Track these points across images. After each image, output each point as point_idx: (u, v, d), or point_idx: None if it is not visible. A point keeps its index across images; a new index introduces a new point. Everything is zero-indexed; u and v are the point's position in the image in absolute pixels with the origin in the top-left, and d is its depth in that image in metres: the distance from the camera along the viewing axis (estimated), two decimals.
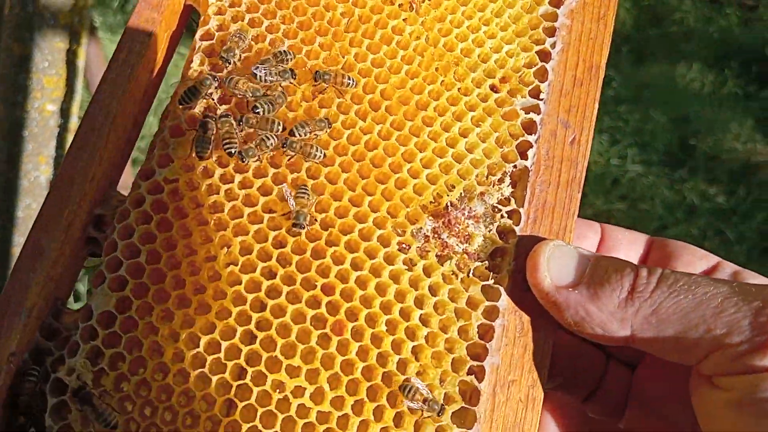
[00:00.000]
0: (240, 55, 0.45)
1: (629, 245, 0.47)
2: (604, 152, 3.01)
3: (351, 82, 0.45)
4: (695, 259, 0.44)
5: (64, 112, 1.41)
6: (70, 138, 1.39)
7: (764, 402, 0.32)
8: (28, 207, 1.41)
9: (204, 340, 0.40)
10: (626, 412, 0.46)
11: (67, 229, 0.41)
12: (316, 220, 0.43)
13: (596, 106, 0.47)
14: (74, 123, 1.43)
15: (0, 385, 0.37)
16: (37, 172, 1.40)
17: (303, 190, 0.42)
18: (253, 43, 0.46)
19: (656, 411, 0.42)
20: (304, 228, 0.42)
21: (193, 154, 0.43)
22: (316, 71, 0.45)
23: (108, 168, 0.43)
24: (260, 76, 0.43)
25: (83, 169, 0.42)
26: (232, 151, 0.43)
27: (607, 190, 2.97)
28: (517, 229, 0.43)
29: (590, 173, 2.96)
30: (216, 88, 0.44)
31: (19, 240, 1.43)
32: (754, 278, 0.42)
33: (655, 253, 0.46)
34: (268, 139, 0.43)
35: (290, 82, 0.45)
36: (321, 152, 0.44)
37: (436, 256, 0.43)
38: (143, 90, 0.45)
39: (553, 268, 0.39)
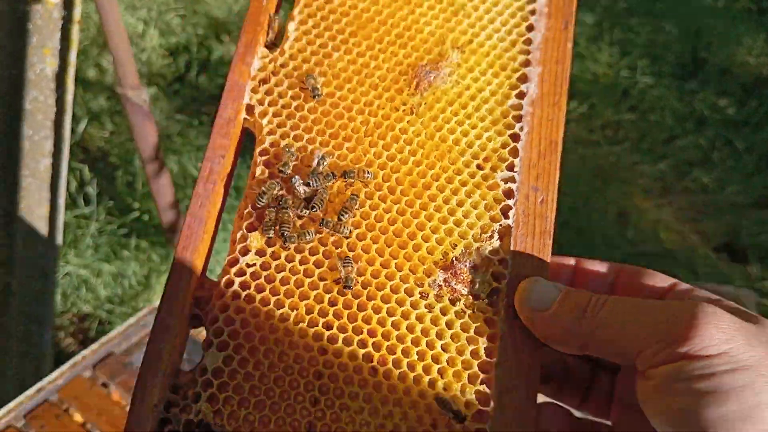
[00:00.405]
0: (291, 165, 0.61)
1: (598, 275, 0.60)
2: (614, 64, 3.07)
3: (370, 175, 0.61)
4: (655, 282, 0.56)
5: (68, 4, 1.41)
6: (74, 29, 1.42)
7: (676, 382, 0.46)
8: (35, 100, 1.45)
9: (287, 379, 0.55)
10: (611, 413, 0.60)
11: (182, 310, 0.56)
12: (357, 281, 0.58)
13: (558, 172, 0.61)
14: (78, 13, 1.41)
15: (149, 431, 0.53)
16: (42, 65, 1.42)
17: (347, 261, 0.58)
18: (298, 153, 0.62)
19: (636, 410, 0.55)
20: (351, 288, 0.57)
21: (263, 241, 0.59)
22: (344, 171, 0.61)
23: (203, 261, 0.59)
24: (312, 184, 0.59)
25: (190, 265, 0.57)
26: (285, 233, 0.58)
27: (617, 101, 3.00)
28: (506, 272, 0.58)
29: (599, 84, 3.01)
30: (279, 190, 0.60)
31: (27, 132, 1.46)
32: (700, 291, 0.54)
33: (623, 278, 0.58)
34: (309, 234, 0.58)
35: (333, 182, 0.60)
36: (349, 230, 0.59)
37: (449, 299, 0.58)
38: (220, 200, 0.61)
39: (533, 298, 0.54)
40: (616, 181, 2.69)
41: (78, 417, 1.22)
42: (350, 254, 0.59)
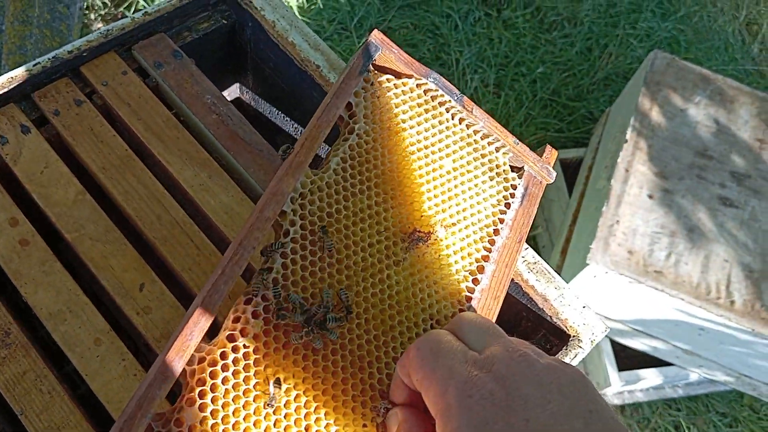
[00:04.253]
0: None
1: None
2: None
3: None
4: None
5: None
6: None
7: None
8: None
9: None
10: None
11: (180, 365, 0.64)
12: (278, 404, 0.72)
13: None
14: None
15: None
16: None
17: (278, 382, 0.67)
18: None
19: None
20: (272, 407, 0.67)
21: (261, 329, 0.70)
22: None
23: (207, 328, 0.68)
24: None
25: (200, 329, 0.65)
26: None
27: None
28: None
29: None
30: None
31: None
32: None
33: None
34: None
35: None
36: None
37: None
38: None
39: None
40: None
41: (103, 106, 0.98)
42: (281, 377, 0.69)
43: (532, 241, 2.46)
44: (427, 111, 0.87)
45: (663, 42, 2.83)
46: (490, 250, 0.82)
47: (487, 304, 0.79)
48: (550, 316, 0.92)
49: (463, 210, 0.84)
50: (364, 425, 0.71)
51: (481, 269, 0.81)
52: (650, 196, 1.95)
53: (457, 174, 0.85)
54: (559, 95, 2.66)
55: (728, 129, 2.09)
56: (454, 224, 0.83)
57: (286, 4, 2.67)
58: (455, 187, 0.84)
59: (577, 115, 2.62)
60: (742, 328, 1.85)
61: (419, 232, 0.81)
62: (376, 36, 0.84)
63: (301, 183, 0.77)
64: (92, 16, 2.49)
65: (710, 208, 1.96)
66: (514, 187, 0.86)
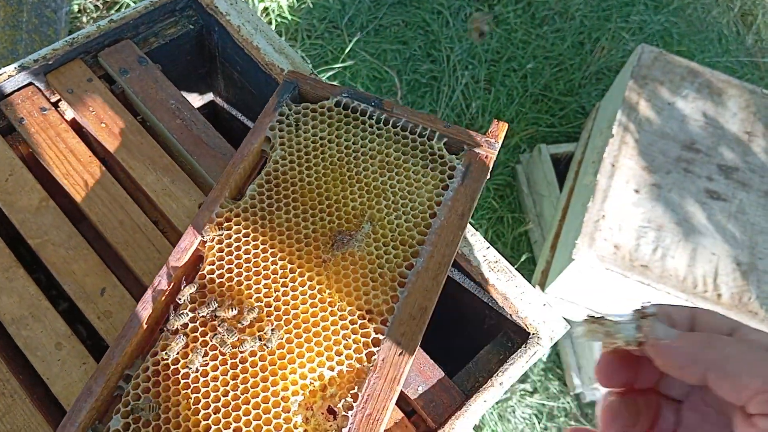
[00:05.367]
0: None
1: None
2: None
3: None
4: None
5: None
6: None
7: None
8: None
9: None
10: None
11: (107, 380, 0.73)
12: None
13: (422, 334, 0.76)
14: None
15: None
16: None
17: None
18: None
19: None
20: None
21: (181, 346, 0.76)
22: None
23: (135, 350, 0.77)
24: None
25: (120, 349, 0.74)
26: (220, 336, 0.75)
27: None
28: (354, 405, 0.72)
29: None
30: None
31: None
32: None
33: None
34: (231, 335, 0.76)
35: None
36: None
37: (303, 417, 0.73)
38: (161, 307, 0.80)
39: (658, 332, 0.50)
40: None
41: (69, 113, 1.01)
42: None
43: (525, 236, 2.46)
44: (347, 123, 0.93)
45: (656, 35, 2.82)
46: (425, 234, 0.84)
47: (425, 285, 0.80)
48: (510, 314, 0.93)
49: (393, 203, 0.87)
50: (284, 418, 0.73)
51: (415, 253, 0.83)
52: (637, 191, 1.95)
53: (385, 171, 0.89)
54: (551, 90, 2.66)
55: (716, 122, 2.08)
56: (383, 218, 0.86)
57: (276, 4, 2.69)
58: (383, 183, 0.88)
59: (568, 109, 2.62)
60: None
61: (343, 232, 0.85)
62: (288, 75, 0.96)
63: (216, 213, 0.85)
64: (84, 19, 2.51)
65: (697, 202, 1.96)
66: (453, 168, 0.89)
